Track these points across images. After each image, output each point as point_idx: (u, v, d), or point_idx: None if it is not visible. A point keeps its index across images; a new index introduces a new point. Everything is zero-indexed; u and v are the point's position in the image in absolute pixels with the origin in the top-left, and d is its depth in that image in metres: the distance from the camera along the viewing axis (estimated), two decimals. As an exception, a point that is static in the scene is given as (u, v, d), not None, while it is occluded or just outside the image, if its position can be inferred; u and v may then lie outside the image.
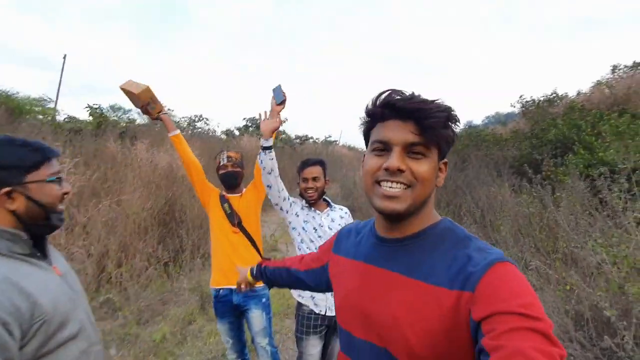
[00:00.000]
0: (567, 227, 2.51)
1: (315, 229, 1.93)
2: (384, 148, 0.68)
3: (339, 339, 0.81)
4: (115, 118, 11.84)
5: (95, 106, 8.44)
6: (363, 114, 0.74)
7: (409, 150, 0.66)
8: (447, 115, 0.66)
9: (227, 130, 14.64)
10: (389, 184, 0.66)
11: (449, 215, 5.56)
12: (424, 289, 0.63)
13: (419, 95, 0.67)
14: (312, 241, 1.92)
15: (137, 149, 5.47)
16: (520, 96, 12.28)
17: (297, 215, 1.98)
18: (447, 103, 0.67)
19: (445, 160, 0.72)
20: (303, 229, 1.94)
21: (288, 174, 11.06)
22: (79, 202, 4.19)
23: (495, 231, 4.84)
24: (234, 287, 2.05)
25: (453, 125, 0.68)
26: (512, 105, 13.08)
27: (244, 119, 16.79)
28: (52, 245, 0.99)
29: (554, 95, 12.26)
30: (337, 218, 2.01)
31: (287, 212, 1.98)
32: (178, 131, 2.16)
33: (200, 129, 13.03)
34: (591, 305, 2.04)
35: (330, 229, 1.94)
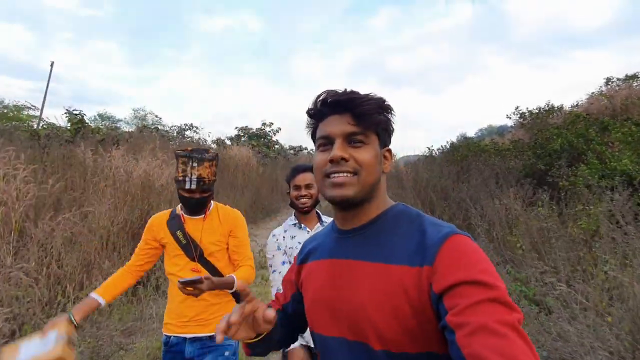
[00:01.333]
0: (621, 241, 2.06)
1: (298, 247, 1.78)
2: (327, 143, 0.72)
3: (315, 345, 0.78)
4: (100, 126, 11.34)
5: (75, 112, 7.95)
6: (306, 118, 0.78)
7: (350, 140, 0.70)
8: (377, 102, 0.70)
9: (218, 140, 14.16)
10: (336, 173, 0.68)
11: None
12: (386, 271, 0.64)
13: (352, 90, 0.71)
14: None
15: (111, 156, 4.96)
16: (517, 107, 12.23)
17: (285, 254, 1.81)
18: (380, 95, 0.72)
19: (389, 147, 0.76)
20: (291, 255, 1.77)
21: (282, 185, 10.64)
22: (35, 215, 3.66)
23: (504, 246, 4.42)
24: (188, 335, 1.61)
25: (387, 113, 0.73)
26: (508, 117, 13.03)
27: (236, 128, 16.39)
28: None
29: (550, 106, 12.20)
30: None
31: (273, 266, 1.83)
32: (103, 301, 1.53)
33: (189, 138, 12.55)
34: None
35: None
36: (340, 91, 0.72)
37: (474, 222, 4.74)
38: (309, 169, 1.79)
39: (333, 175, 0.69)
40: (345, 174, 0.68)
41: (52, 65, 16.27)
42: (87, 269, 3.61)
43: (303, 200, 1.75)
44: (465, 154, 8.86)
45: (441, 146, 11.09)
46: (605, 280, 2.43)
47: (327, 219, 1.87)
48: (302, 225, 1.80)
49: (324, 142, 0.72)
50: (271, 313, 0.66)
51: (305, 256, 0.85)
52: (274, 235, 1.81)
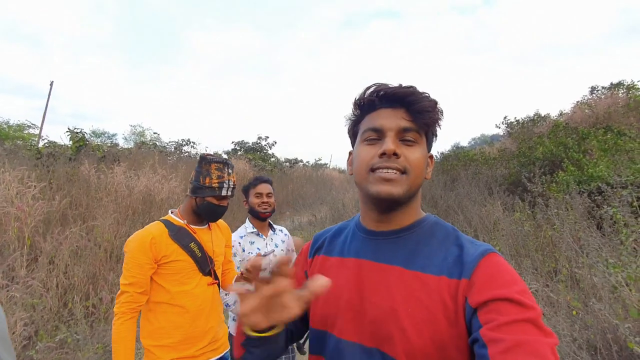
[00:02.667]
0: (575, 246, 2.32)
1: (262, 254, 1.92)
2: (377, 137, 0.68)
3: (314, 344, 0.73)
4: (98, 143, 11.58)
5: (76, 130, 8.20)
6: (350, 111, 0.74)
7: (402, 136, 0.66)
8: (434, 101, 0.67)
9: (215, 154, 14.42)
10: (385, 169, 0.65)
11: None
12: (424, 280, 0.62)
13: (410, 85, 0.68)
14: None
15: (113, 172, 5.19)
16: (505, 117, 12.59)
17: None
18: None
19: (431, 154, 0.73)
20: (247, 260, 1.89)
21: (277, 197, 10.82)
22: (45, 230, 3.87)
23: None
24: None
25: (440, 115, 0.69)
26: (497, 126, 13.38)
27: (233, 142, 16.68)
28: None
29: (537, 115, 12.59)
30: (279, 243, 2.03)
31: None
32: None
33: (187, 153, 12.80)
34: (602, 332, 1.82)
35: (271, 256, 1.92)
36: (395, 85, 0.68)
37: (460, 228, 5.00)
38: (269, 180, 2.03)
39: (381, 170, 0.65)
40: (394, 171, 0.65)
41: (51, 84, 16.61)
42: (92, 280, 3.81)
43: (264, 206, 1.93)
44: (454, 164, 9.16)
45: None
46: (569, 276, 2.67)
47: (278, 227, 2.10)
48: (260, 233, 1.96)
49: (373, 136, 0.68)
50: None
51: (317, 248, 0.81)
52: (232, 247, 1.85)
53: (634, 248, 1.95)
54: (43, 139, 10.12)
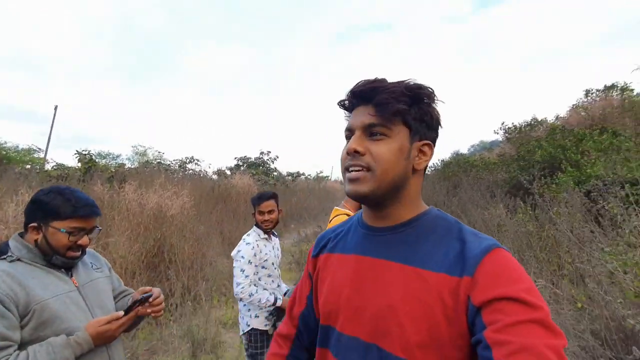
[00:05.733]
0: (575, 240, 2.43)
1: (270, 254, 2.31)
2: (350, 135, 0.68)
3: (323, 339, 0.75)
4: (104, 164, 11.78)
5: (84, 152, 8.40)
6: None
7: (369, 132, 0.65)
8: (402, 90, 0.64)
9: (218, 170, 14.61)
10: (352, 168, 0.66)
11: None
12: (422, 276, 0.61)
13: (377, 78, 0.67)
14: (272, 264, 2.31)
15: (125, 191, 5.34)
16: (502, 123, 12.73)
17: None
18: (420, 82, 0.66)
19: (426, 141, 0.68)
20: (265, 260, 2.26)
21: (282, 210, 10.91)
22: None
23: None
24: None
25: (417, 101, 0.65)
26: (495, 132, 13.54)
27: (235, 158, 16.89)
28: (96, 260, 1.32)
29: (534, 120, 12.78)
30: (276, 243, 2.45)
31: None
32: None
33: (191, 171, 12.99)
34: (607, 321, 1.92)
35: (277, 257, 2.40)
36: (371, 79, 0.67)
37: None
38: (272, 196, 2.30)
39: (350, 169, 0.66)
40: (359, 169, 0.65)
41: (55, 108, 17.01)
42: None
43: (266, 224, 2.26)
44: (455, 170, 9.32)
45: (433, 164, 11.57)
46: (572, 270, 2.77)
47: (274, 234, 2.46)
48: (267, 238, 2.32)
49: (348, 135, 0.69)
50: None
51: (322, 247, 0.82)
52: (248, 244, 2.22)
53: (630, 240, 2.07)
54: (49, 162, 10.34)
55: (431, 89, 0.67)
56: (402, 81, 0.66)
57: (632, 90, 11.86)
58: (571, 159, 5.86)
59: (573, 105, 13.47)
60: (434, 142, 0.70)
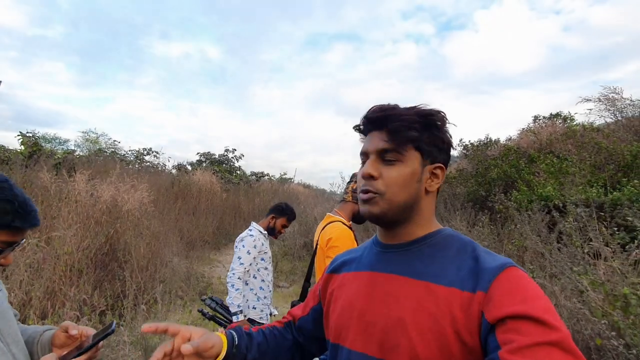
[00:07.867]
0: (549, 256, 2.58)
1: (269, 251, 2.70)
2: (366, 159, 0.72)
3: (328, 354, 0.76)
4: (49, 148, 10.75)
5: (29, 134, 7.59)
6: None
7: (383, 157, 0.68)
8: (414, 117, 0.67)
9: (178, 165, 13.92)
10: (365, 190, 0.68)
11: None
12: (433, 290, 0.61)
13: (391, 105, 0.70)
14: (270, 257, 2.67)
15: (75, 181, 4.87)
16: (460, 140, 13.45)
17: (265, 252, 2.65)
18: (432, 107, 0.70)
19: (438, 164, 0.72)
20: (265, 253, 2.61)
21: (244, 210, 10.64)
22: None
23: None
24: None
25: (429, 127, 0.69)
26: (453, 148, 14.24)
27: (198, 153, 16.22)
28: None
29: (488, 139, 13.70)
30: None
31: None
32: None
33: (149, 163, 12.24)
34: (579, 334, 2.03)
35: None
36: (382, 105, 0.71)
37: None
38: (295, 217, 2.80)
39: (363, 191, 0.69)
40: (371, 193, 0.68)
41: (-6, 83, 15.21)
42: (50, 296, 3.51)
43: (280, 233, 2.72)
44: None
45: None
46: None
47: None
48: (266, 236, 2.67)
49: (363, 159, 0.73)
50: (187, 347, 0.61)
51: (338, 266, 0.84)
52: (252, 235, 2.53)
53: (588, 256, 2.24)
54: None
55: (443, 113, 0.70)
56: (414, 107, 0.69)
57: (573, 119, 13.11)
58: (525, 179, 6.30)
59: (523, 128, 14.59)
60: (445, 164, 0.74)
